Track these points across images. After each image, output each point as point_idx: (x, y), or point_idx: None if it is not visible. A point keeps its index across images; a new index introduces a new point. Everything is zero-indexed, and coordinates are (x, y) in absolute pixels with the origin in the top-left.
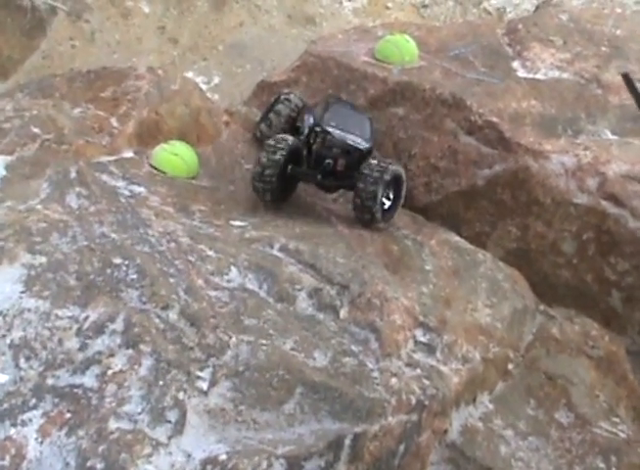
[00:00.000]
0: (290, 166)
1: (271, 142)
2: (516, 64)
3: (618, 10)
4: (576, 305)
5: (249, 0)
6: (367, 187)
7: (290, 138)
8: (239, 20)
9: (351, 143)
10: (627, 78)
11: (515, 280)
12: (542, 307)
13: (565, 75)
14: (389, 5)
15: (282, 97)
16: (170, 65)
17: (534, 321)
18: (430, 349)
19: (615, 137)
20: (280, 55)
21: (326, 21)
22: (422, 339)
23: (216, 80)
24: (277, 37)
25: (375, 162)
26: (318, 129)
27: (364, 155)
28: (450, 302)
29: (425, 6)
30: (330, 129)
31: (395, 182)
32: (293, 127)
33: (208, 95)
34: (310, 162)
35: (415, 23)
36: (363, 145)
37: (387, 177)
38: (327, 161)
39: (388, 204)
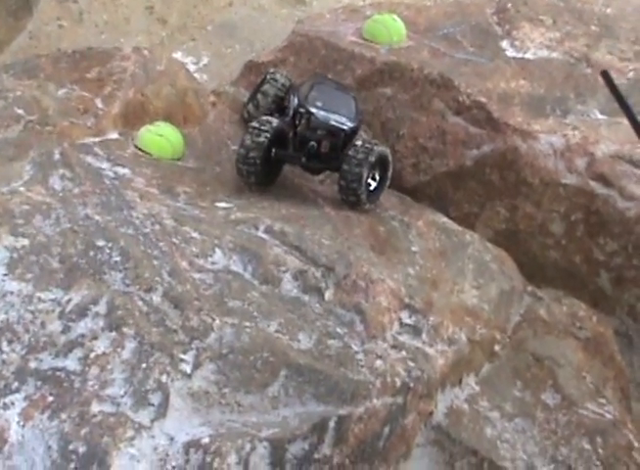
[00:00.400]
0: (274, 149)
1: (255, 124)
2: (505, 43)
3: None
4: (565, 285)
5: None
6: (352, 169)
7: (274, 120)
8: (228, 0)
9: (335, 124)
10: (607, 77)
11: (502, 261)
12: (530, 289)
13: (554, 55)
14: None
15: (268, 77)
16: (159, 45)
17: (522, 302)
18: (415, 330)
19: (604, 117)
20: (270, 35)
21: (316, 0)
22: (407, 321)
23: (205, 61)
24: (267, 17)
25: (360, 143)
26: (302, 110)
27: (349, 135)
28: (437, 283)
29: None
30: (314, 110)
31: (381, 163)
32: (280, 107)
33: (197, 75)
34: (295, 143)
35: (404, 2)
36: (347, 125)
37: (372, 159)
38: (311, 143)
39: (373, 185)
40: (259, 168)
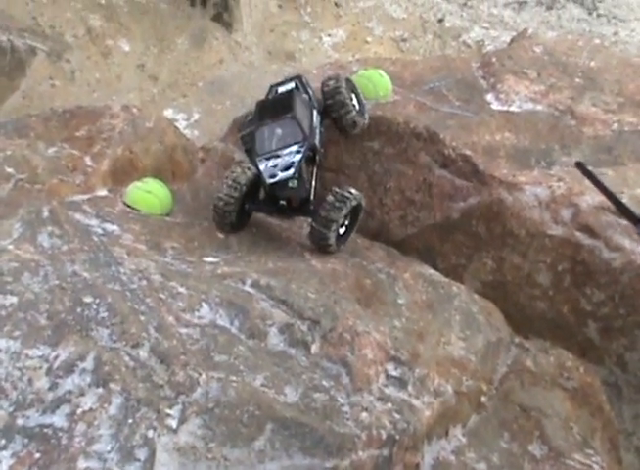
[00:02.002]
0: (247, 204)
1: (231, 175)
2: (490, 96)
3: (594, 41)
4: (553, 336)
5: (229, 37)
6: (328, 215)
7: (248, 172)
8: (219, 56)
9: (287, 175)
10: (582, 167)
11: (489, 312)
12: (517, 340)
13: (539, 107)
14: (369, 39)
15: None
16: (150, 102)
17: (509, 354)
18: (401, 382)
19: (589, 168)
20: (260, 90)
21: (306, 56)
22: (393, 373)
23: (196, 117)
24: (257, 73)
25: (337, 191)
26: (257, 172)
27: (308, 159)
28: (423, 335)
29: (404, 40)
30: (262, 168)
31: (354, 211)
32: None
33: (188, 131)
34: (266, 199)
35: (390, 57)
36: (294, 161)
37: (346, 209)
38: (281, 202)
39: (342, 230)
40: (234, 219)
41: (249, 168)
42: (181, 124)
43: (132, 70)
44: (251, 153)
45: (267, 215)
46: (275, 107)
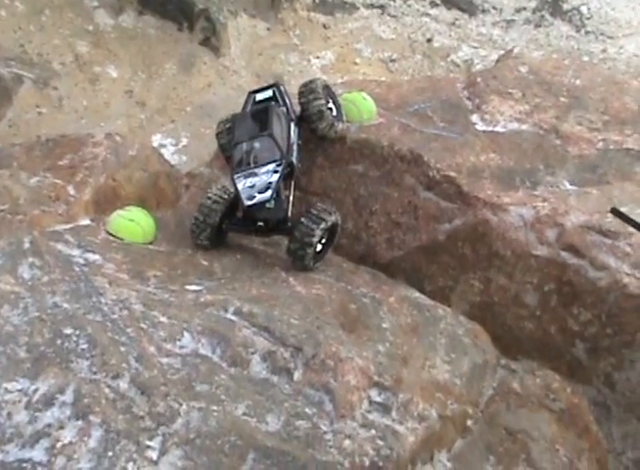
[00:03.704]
0: (225, 223)
1: (211, 196)
2: (475, 117)
3: (583, 59)
4: (542, 356)
5: (216, 61)
6: (303, 237)
7: (226, 194)
8: (207, 81)
9: (265, 197)
10: (617, 212)
11: (476, 334)
12: (503, 361)
13: (524, 127)
14: (357, 61)
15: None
16: (138, 128)
17: (495, 376)
18: (385, 408)
19: (573, 187)
20: None
21: (294, 78)
22: (377, 399)
23: (184, 141)
24: (245, 96)
25: (314, 212)
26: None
27: (286, 175)
28: (407, 359)
29: (393, 60)
30: (240, 188)
31: (331, 230)
32: None
33: (177, 156)
34: (246, 220)
35: (375, 80)
36: (272, 181)
37: (322, 229)
38: (259, 223)
39: (319, 247)
40: (212, 238)
41: (225, 193)
42: (169, 150)
43: (120, 97)
44: (225, 150)
45: (245, 234)
46: (253, 122)
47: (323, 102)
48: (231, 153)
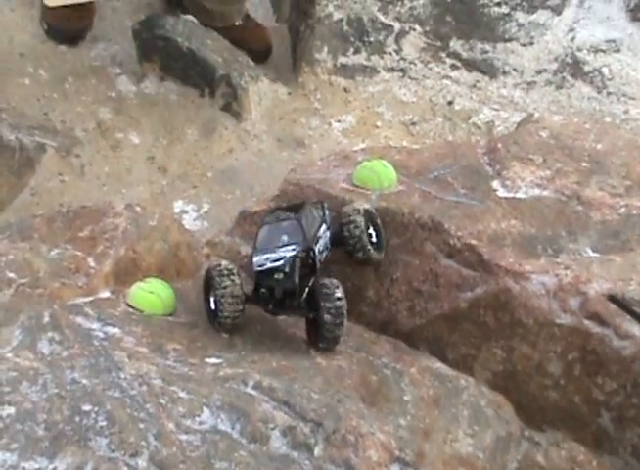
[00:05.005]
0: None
1: (226, 290)
2: (496, 183)
3: (605, 120)
4: (567, 426)
5: (238, 126)
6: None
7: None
8: (228, 146)
9: (270, 266)
10: (615, 300)
11: (499, 405)
12: (527, 433)
13: (545, 193)
14: (378, 124)
15: None
16: (159, 194)
17: (519, 448)
18: None
19: (596, 254)
20: (270, 178)
21: (316, 142)
22: None
23: (206, 207)
24: (267, 161)
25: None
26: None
27: (306, 264)
28: (429, 433)
29: (413, 123)
30: (255, 259)
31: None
32: None
33: (198, 223)
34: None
35: (395, 146)
36: (286, 257)
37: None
38: (262, 290)
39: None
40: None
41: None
42: (191, 216)
43: (142, 163)
44: None
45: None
46: (284, 210)
47: (363, 230)
48: (256, 234)
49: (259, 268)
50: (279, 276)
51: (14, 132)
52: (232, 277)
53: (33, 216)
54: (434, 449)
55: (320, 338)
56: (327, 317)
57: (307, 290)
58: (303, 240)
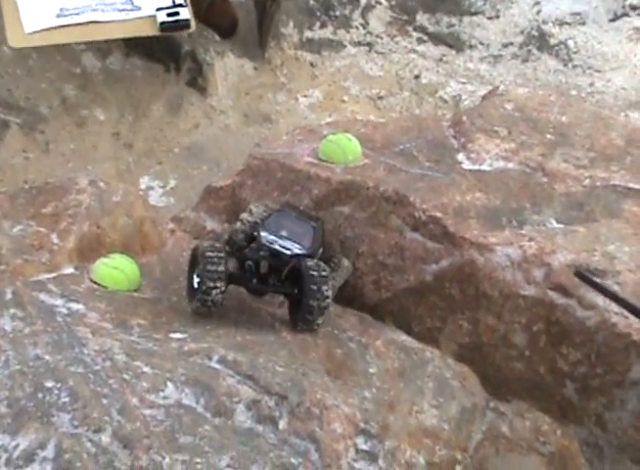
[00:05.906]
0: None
1: (210, 265)
2: (461, 156)
3: (571, 93)
4: (532, 397)
5: (204, 101)
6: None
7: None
8: (194, 121)
9: (277, 247)
10: (581, 276)
11: (464, 377)
12: (493, 404)
13: (510, 165)
14: (345, 98)
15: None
16: (125, 171)
17: (484, 419)
18: (371, 456)
19: (560, 226)
20: (236, 154)
21: (282, 117)
22: (363, 447)
23: (172, 184)
24: (233, 136)
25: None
26: (255, 234)
27: (297, 260)
28: (394, 405)
29: (380, 97)
30: (263, 233)
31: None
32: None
33: (164, 199)
34: (242, 265)
35: (361, 120)
36: (292, 251)
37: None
38: (248, 262)
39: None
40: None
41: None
42: (157, 192)
43: (107, 139)
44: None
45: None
46: (302, 212)
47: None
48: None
49: (269, 244)
50: (275, 260)
51: None
52: (219, 254)
53: None
54: (399, 421)
55: (302, 320)
56: (311, 301)
57: (290, 268)
58: (309, 247)
